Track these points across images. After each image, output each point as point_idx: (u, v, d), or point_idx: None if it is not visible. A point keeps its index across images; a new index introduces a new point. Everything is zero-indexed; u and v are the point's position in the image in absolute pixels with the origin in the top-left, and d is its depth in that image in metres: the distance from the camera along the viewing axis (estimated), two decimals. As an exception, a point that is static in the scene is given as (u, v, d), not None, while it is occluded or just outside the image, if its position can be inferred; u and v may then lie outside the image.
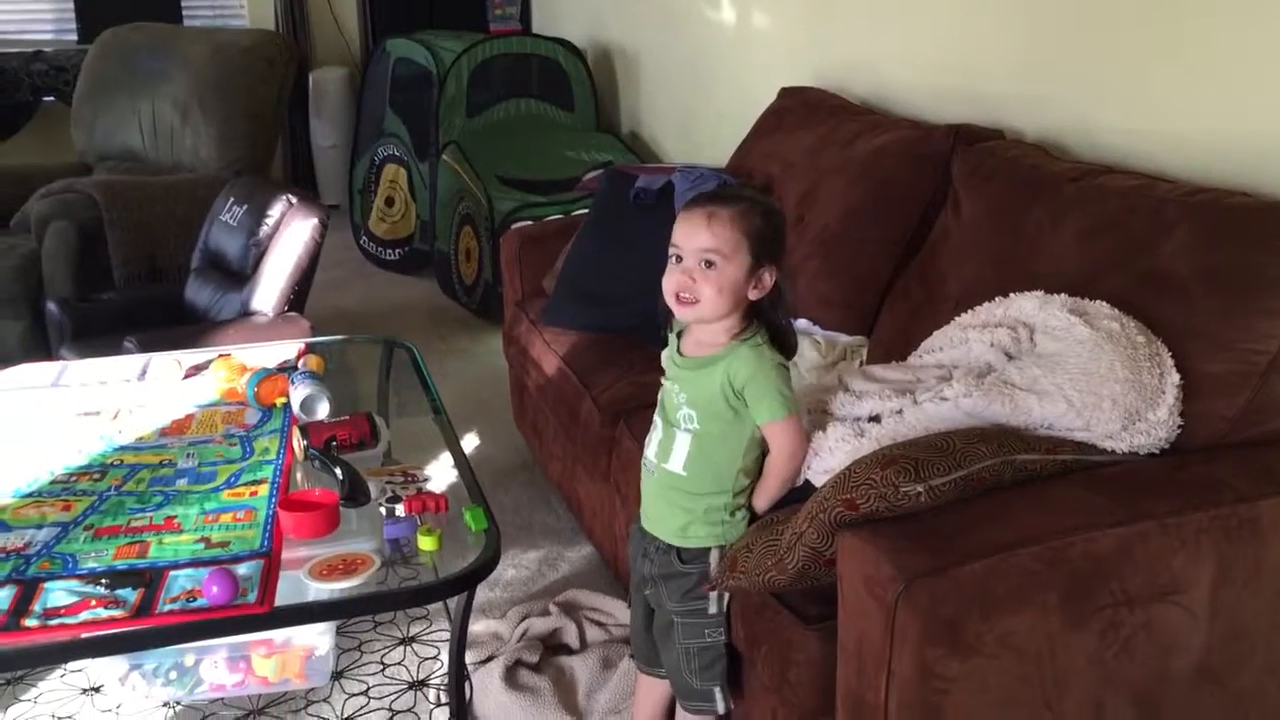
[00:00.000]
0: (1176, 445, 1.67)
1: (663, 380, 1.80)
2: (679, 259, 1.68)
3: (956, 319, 1.97)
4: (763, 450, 1.75)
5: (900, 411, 1.73)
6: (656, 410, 1.81)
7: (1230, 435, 1.69)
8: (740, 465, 1.73)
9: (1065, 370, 1.67)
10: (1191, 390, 1.69)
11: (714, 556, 1.76)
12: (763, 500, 1.76)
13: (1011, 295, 1.91)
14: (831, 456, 1.71)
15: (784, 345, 1.74)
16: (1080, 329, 1.73)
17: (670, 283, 1.69)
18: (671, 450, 1.75)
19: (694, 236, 1.66)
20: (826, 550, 1.53)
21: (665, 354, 1.81)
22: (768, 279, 1.69)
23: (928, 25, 2.89)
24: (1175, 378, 1.68)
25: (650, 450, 1.80)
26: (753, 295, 1.69)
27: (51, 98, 5.25)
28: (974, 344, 1.85)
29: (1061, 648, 1.47)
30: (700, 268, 1.66)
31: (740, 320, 1.71)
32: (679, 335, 1.79)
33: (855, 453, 1.65)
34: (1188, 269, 1.77)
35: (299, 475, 1.99)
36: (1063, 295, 1.84)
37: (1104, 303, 1.80)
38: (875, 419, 1.76)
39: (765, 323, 1.73)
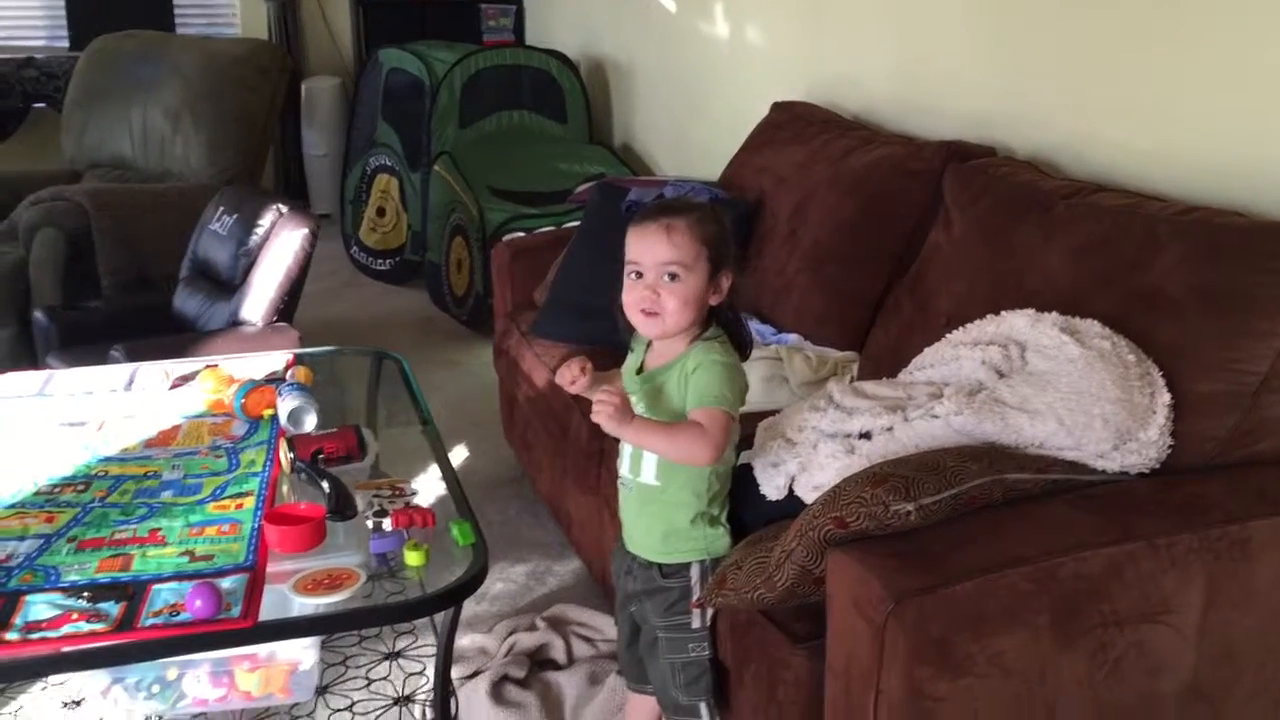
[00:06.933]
0: (1167, 465, 1.67)
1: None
2: (639, 274, 1.68)
3: (948, 336, 1.96)
4: (733, 451, 1.74)
5: (891, 429, 1.72)
6: None
7: (1221, 456, 1.69)
8: (710, 467, 1.72)
9: (1056, 389, 1.67)
10: (1182, 410, 1.69)
11: (695, 571, 1.75)
12: (647, 435, 1.65)
13: (1003, 313, 1.91)
14: (821, 473, 1.71)
15: (740, 343, 1.74)
16: (1071, 347, 1.73)
17: (633, 298, 1.68)
18: (642, 462, 1.75)
19: (654, 250, 1.66)
20: (815, 568, 1.52)
21: (625, 368, 1.82)
22: (725, 284, 1.69)
23: (920, 41, 2.89)
24: (1166, 397, 1.68)
25: (623, 467, 1.80)
26: (713, 301, 1.69)
27: (42, 104, 5.24)
28: (965, 361, 1.85)
29: (1051, 668, 1.46)
30: (664, 281, 1.65)
31: (699, 327, 1.71)
32: (643, 349, 1.79)
33: (845, 469, 1.65)
34: (1179, 288, 1.77)
35: (285, 488, 1.97)
36: (1054, 313, 1.84)
37: (1095, 321, 1.80)
38: (866, 435, 1.75)
39: (722, 323, 1.73)
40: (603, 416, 1.61)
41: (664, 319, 1.66)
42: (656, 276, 1.66)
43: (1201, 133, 2.08)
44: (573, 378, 1.73)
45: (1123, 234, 1.90)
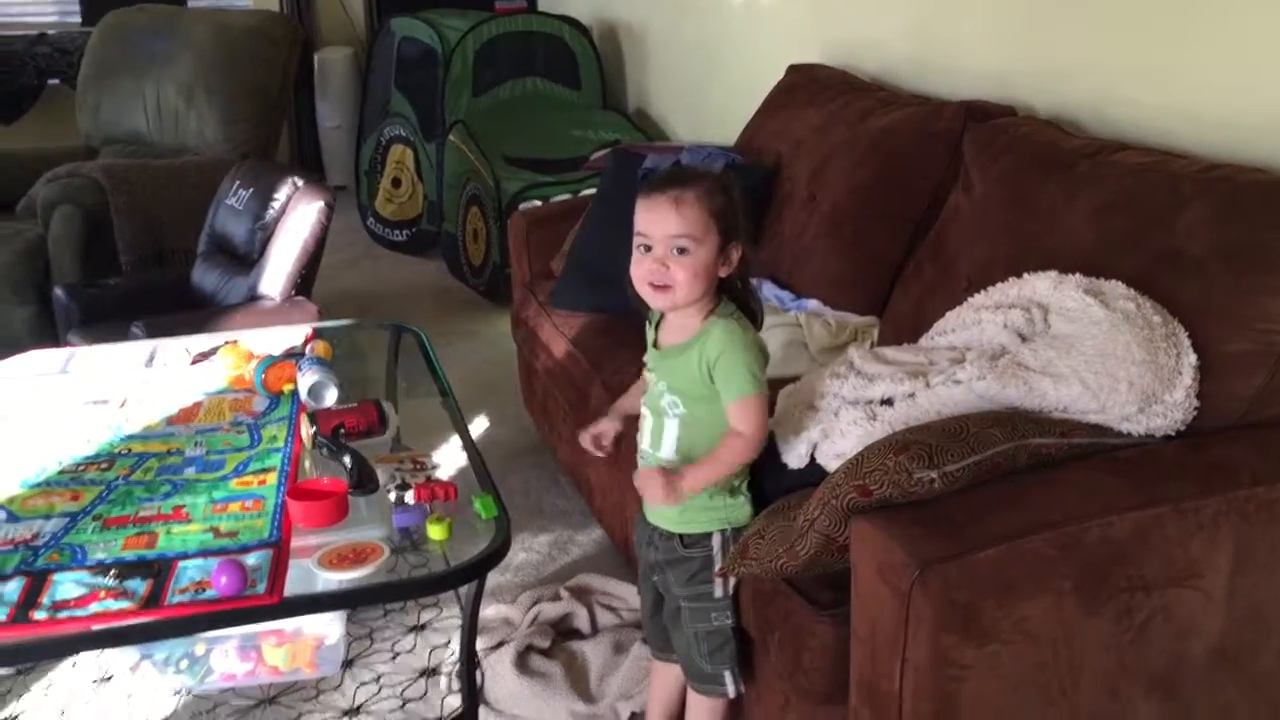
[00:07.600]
0: (1193, 427, 1.65)
1: (645, 372, 1.79)
2: (648, 248, 1.65)
3: (969, 299, 1.94)
4: None
5: (913, 395, 1.71)
6: (643, 400, 1.80)
7: (1248, 416, 1.67)
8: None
9: (1080, 352, 1.65)
10: (1208, 371, 1.67)
11: (716, 541, 1.75)
12: (700, 479, 1.68)
13: (1025, 275, 1.88)
14: (843, 440, 1.70)
15: (751, 314, 1.73)
16: (1095, 309, 1.71)
17: (642, 271, 1.66)
18: (662, 438, 1.74)
19: (663, 223, 1.63)
20: (839, 536, 1.51)
21: (646, 351, 1.81)
22: (735, 255, 1.67)
23: (937, 0, 2.85)
24: (1192, 358, 1.66)
25: (644, 441, 1.79)
26: (723, 273, 1.68)
27: (56, 80, 5.24)
28: (987, 325, 1.83)
29: (1077, 633, 1.45)
30: (673, 254, 1.63)
31: (711, 299, 1.69)
32: (656, 325, 1.78)
33: (867, 436, 1.64)
34: (1204, 247, 1.75)
35: (307, 463, 1.98)
36: (1077, 275, 1.82)
37: (1119, 282, 1.77)
38: (887, 402, 1.73)
39: (732, 295, 1.71)
40: (657, 500, 1.68)
41: (674, 292, 1.65)
42: (665, 250, 1.64)
43: (1225, 89, 2.05)
44: (595, 449, 1.86)
45: (1146, 193, 1.88)
